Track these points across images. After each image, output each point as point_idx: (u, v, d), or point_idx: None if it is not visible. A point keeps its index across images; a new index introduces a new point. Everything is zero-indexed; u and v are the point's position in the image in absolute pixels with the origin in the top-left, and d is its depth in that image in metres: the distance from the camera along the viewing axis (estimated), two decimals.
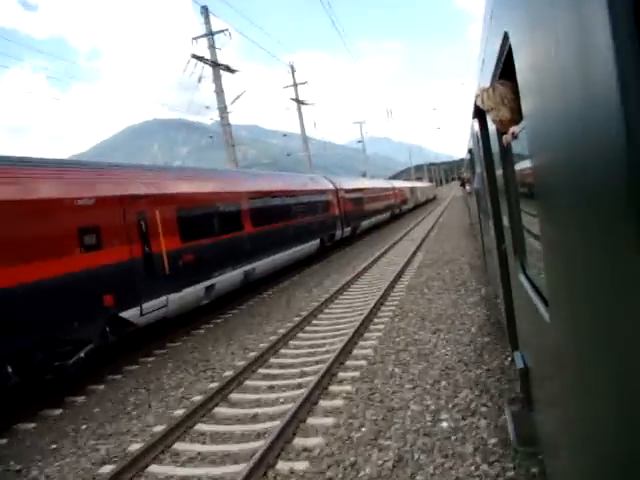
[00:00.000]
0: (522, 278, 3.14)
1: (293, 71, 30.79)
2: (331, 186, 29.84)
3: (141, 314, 11.36)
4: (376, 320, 12.00)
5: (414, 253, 22.08)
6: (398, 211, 56.14)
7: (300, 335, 11.68)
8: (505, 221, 3.97)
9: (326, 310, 13.88)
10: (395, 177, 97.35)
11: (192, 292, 13.41)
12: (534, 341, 3.01)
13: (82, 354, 9.70)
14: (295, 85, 30.91)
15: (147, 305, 11.53)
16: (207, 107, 21.86)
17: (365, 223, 36.97)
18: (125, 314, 10.90)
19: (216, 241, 14.94)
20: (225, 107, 20.64)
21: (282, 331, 11.91)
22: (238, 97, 21.32)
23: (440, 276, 16.28)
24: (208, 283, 14.28)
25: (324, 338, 11.15)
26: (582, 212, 1.38)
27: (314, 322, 12.72)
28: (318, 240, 24.85)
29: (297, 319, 12.93)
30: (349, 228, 31.68)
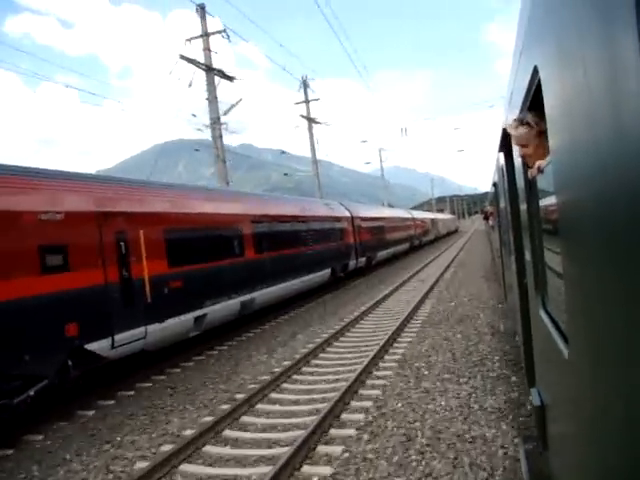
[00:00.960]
0: (542, 314, 3.12)
1: (305, 86, 29.02)
2: (347, 213, 28.48)
3: (112, 346, 10.01)
4: (322, 451, 6.73)
5: (422, 300, 17.77)
6: (418, 243, 54.50)
7: None
8: (527, 256, 3.89)
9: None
10: (417, 208, 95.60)
11: (178, 323, 12.04)
12: (552, 378, 2.96)
13: (32, 392, 8.34)
14: (307, 102, 29.21)
15: (121, 336, 10.19)
16: (194, 115, 20.52)
17: (382, 254, 35.44)
18: (92, 346, 9.56)
19: (210, 267, 13.60)
20: (218, 118, 19.35)
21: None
22: (233, 106, 19.98)
23: (449, 344, 11.49)
24: (198, 313, 12.91)
25: None
26: (607, 250, 1.36)
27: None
28: (329, 270, 23.39)
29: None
30: (364, 258, 30.20)
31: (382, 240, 35.77)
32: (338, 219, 26.44)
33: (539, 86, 2.25)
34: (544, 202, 2.97)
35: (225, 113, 19.82)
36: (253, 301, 15.70)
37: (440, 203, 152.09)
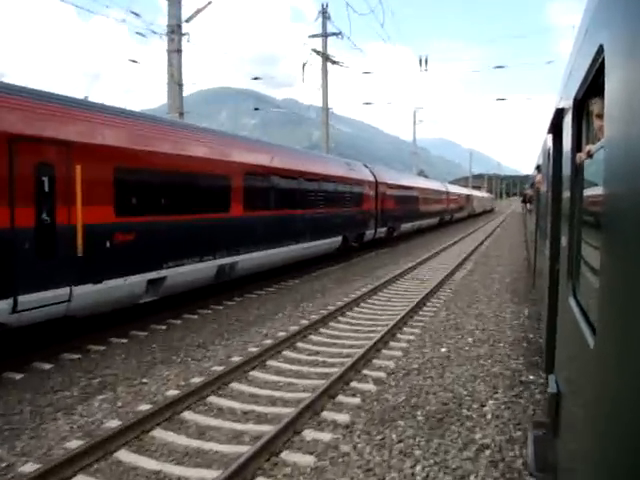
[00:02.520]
0: (572, 302, 3.08)
1: (325, 15, 25.13)
2: (370, 177, 25.60)
3: (14, 310, 7.69)
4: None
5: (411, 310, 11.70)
6: (449, 218, 51.26)
7: None
8: (564, 242, 3.72)
9: None
10: (454, 183, 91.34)
11: (121, 285, 9.68)
12: (573, 366, 2.91)
13: None
14: (325, 35, 24.90)
15: (28, 298, 7.86)
16: (136, 14, 15.45)
17: (406, 226, 32.54)
18: None
19: (176, 221, 11.11)
20: (179, 25, 15.94)
21: None
22: (199, 11, 16.62)
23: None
24: (153, 275, 10.52)
25: None
26: None
27: None
28: (339, 238, 20.74)
29: None
30: (385, 229, 27.45)
31: (408, 211, 32.77)
32: (359, 182, 23.55)
33: (602, 67, 2.17)
34: (589, 188, 2.92)
35: (187, 20, 16.38)
36: (235, 266, 13.24)
37: (478, 180, 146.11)
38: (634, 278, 1.47)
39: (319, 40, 24.95)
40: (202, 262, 11.91)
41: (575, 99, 3.25)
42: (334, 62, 24.72)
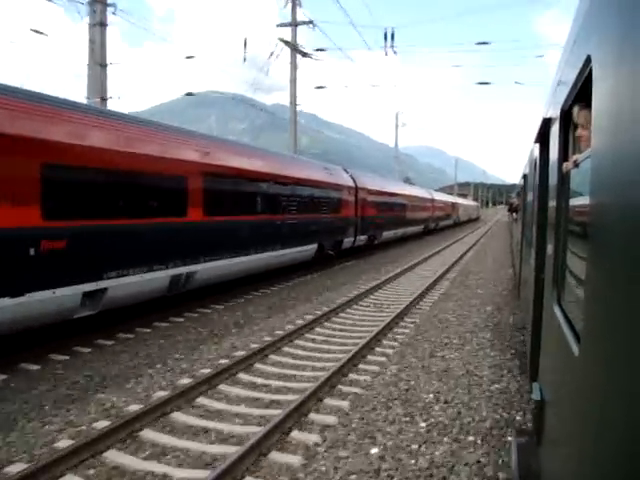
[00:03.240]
0: (557, 310, 3.08)
1: (294, 1, 23.43)
2: (350, 182, 24.49)
3: None
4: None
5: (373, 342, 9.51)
6: (434, 226, 50.28)
7: None
8: (549, 250, 3.78)
9: None
10: (441, 191, 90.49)
11: (50, 299, 8.43)
12: (557, 374, 2.90)
13: None
14: (294, 25, 22.34)
15: None
16: None
17: (389, 234, 31.45)
18: None
19: (120, 226, 9.89)
20: None
21: None
22: None
23: None
24: (91, 287, 9.28)
25: None
26: (636, 258, 1.35)
27: None
28: (315, 245, 19.57)
29: None
30: (365, 236, 26.33)
31: (391, 218, 31.71)
32: (337, 187, 22.41)
33: (589, 77, 2.18)
34: (575, 197, 2.96)
35: None
36: (192, 276, 12.03)
37: (463, 188, 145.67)
38: (619, 287, 1.49)
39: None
40: (152, 272, 10.69)
41: (562, 109, 3.28)
42: (304, 54, 23.16)
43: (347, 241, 23.59)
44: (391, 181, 40.50)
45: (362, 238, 25.85)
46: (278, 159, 18.18)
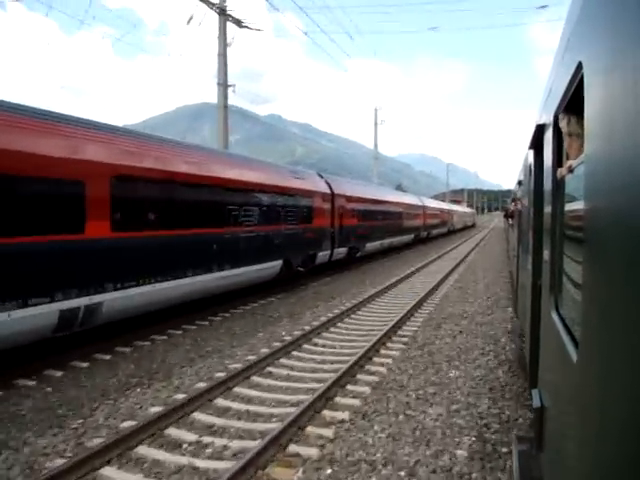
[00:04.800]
0: (554, 316, 3.07)
1: None
2: (325, 188, 21.77)
3: None
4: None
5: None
6: (426, 235, 47.55)
7: None
8: (546, 256, 3.76)
9: None
10: (436, 198, 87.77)
11: None
12: (556, 380, 2.89)
13: None
14: None
15: None
16: None
17: (374, 245, 28.71)
18: None
19: None
20: None
21: None
22: None
23: None
24: None
25: None
26: (633, 261, 1.32)
27: None
28: (279, 262, 16.80)
29: None
30: (345, 249, 23.59)
31: (375, 227, 28.97)
32: (308, 194, 19.61)
33: (581, 83, 2.19)
34: (570, 203, 2.96)
35: None
36: (96, 309, 9.29)
37: (458, 194, 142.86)
38: (616, 292, 1.49)
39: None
40: (25, 308, 7.95)
41: (555, 115, 3.27)
42: (240, 24, 19.53)
43: (322, 255, 20.83)
44: (376, 187, 37.78)
45: (341, 251, 23.13)
46: (229, 162, 15.32)
